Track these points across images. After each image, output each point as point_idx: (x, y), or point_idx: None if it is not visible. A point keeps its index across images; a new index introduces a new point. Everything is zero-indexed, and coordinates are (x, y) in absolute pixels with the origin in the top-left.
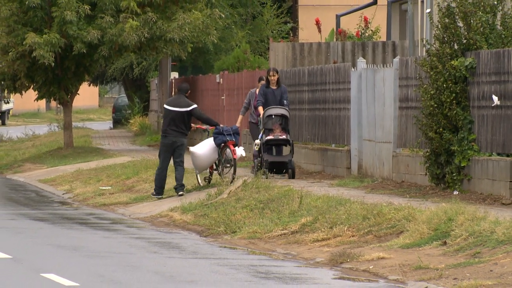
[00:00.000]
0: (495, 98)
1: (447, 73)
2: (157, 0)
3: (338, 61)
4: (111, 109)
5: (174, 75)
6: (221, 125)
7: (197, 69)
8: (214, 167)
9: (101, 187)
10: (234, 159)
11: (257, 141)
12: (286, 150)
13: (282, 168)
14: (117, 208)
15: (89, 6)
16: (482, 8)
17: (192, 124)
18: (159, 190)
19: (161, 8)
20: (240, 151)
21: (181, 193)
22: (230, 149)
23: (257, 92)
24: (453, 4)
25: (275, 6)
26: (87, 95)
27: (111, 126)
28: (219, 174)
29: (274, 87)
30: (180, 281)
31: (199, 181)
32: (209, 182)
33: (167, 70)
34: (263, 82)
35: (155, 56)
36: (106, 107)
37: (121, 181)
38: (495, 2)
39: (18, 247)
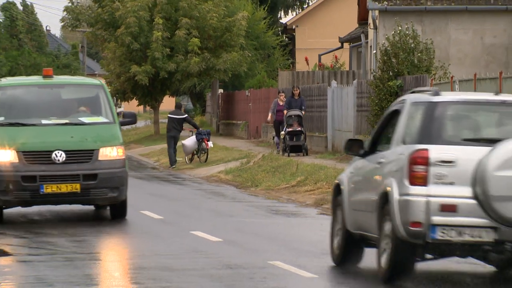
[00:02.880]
0: None
1: (386, 90)
2: (210, 45)
3: (320, 82)
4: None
5: (220, 90)
6: (200, 129)
7: (234, 87)
8: (195, 152)
9: (176, 158)
10: (207, 148)
11: (282, 132)
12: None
13: (298, 149)
14: (186, 171)
15: (169, 49)
16: (405, 50)
17: (184, 127)
18: (172, 163)
19: (213, 50)
20: (210, 144)
21: (173, 166)
22: (205, 142)
23: (278, 101)
24: (389, 48)
25: (281, 49)
26: (168, 102)
27: None
28: (198, 157)
29: (296, 97)
30: (224, 215)
31: (186, 160)
32: (191, 161)
33: (216, 87)
34: (281, 93)
35: (209, 79)
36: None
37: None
38: (412, 45)
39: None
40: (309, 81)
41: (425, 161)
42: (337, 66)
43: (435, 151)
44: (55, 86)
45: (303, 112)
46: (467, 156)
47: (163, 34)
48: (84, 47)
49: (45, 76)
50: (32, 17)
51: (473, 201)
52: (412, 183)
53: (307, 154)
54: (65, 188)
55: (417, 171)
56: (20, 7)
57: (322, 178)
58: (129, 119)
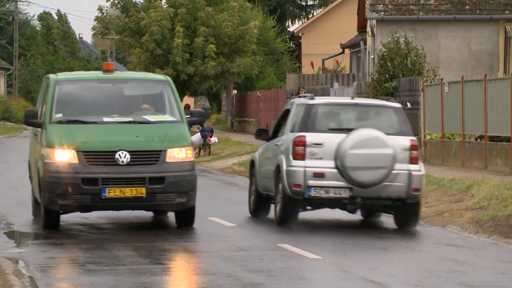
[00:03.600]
0: (408, 104)
1: (382, 90)
2: (225, 51)
3: (323, 84)
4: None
5: (234, 91)
6: (205, 126)
7: (246, 88)
8: (201, 147)
9: None
10: (210, 143)
11: None
12: None
13: None
14: (203, 163)
15: (189, 54)
16: (399, 55)
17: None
18: None
19: (227, 55)
20: (213, 139)
21: None
22: (207, 138)
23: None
24: (385, 53)
25: (289, 54)
26: (187, 102)
27: None
28: (203, 150)
29: None
30: (238, 203)
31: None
32: (198, 155)
33: (231, 89)
34: (293, 96)
35: (224, 81)
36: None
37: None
38: (406, 51)
39: None
40: (314, 83)
41: (303, 144)
42: (338, 70)
43: (310, 137)
44: (117, 82)
45: None
46: (331, 140)
47: (183, 41)
48: (112, 52)
49: (105, 71)
50: (66, 25)
51: (335, 170)
52: (295, 158)
53: None
54: (129, 192)
55: (298, 150)
56: (56, 17)
57: None
58: (197, 118)
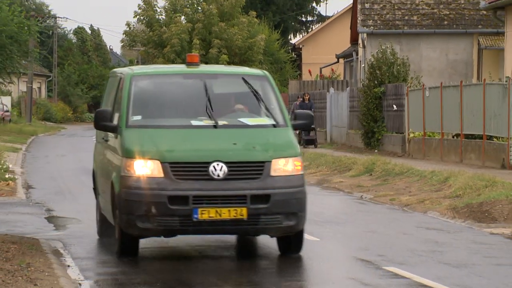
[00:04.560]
0: (394, 106)
1: (372, 95)
2: (236, 60)
3: (321, 89)
4: None
5: None
6: None
7: None
8: None
9: None
10: None
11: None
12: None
13: (311, 142)
14: None
15: (204, 63)
16: (386, 64)
17: None
18: None
19: (238, 64)
20: None
21: None
22: None
23: (297, 103)
24: (374, 62)
25: (291, 63)
26: None
27: None
28: None
29: (307, 102)
30: None
31: None
32: None
33: None
34: (299, 98)
35: None
36: None
37: None
38: (392, 61)
39: None
40: (312, 88)
41: None
42: (334, 77)
43: None
44: (206, 77)
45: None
46: None
47: (200, 52)
48: (138, 62)
49: (189, 64)
50: (98, 38)
51: None
52: None
53: (316, 147)
54: (226, 213)
55: None
56: (89, 31)
57: (323, 163)
58: (304, 121)
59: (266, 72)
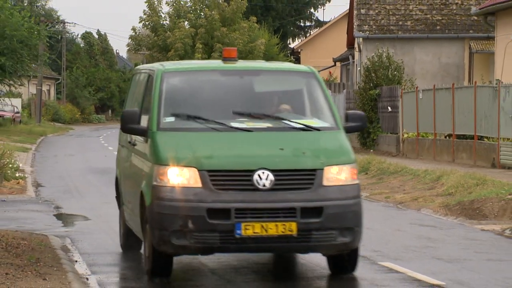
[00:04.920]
0: (389, 107)
1: (367, 97)
2: None
3: None
4: None
5: None
6: None
7: None
8: None
9: None
10: None
11: None
12: None
13: None
14: None
15: None
16: (382, 67)
17: None
18: None
19: None
20: None
21: None
22: None
23: None
24: (370, 66)
25: None
26: None
27: None
28: None
29: None
30: None
31: None
32: None
33: None
34: None
35: None
36: None
37: None
38: (387, 64)
39: None
40: None
41: None
42: (331, 79)
43: None
44: (246, 73)
45: None
46: None
47: (202, 56)
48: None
49: (226, 59)
50: (105, 43)
51: None
52: None
53: None
54: (274, 229)
55: None
56: (96, 36)
57: None
58: (357, 123)
59: (313, 68)
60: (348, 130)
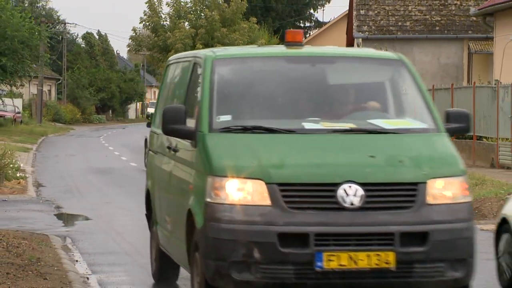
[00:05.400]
0: None
1: None
2: None
3: None
4: None
5: None
6: None
7: None
8: None
9: None
10: None
11: None
12: None
13: None
14: None
15: None
16: None
17: None
18: None
19: None
20: None
21: None
22: None
23: None
24: None
25: None
26: None
27: None
28: None
29: None
30: None
31: None
32: None
33: None
34: None
35: None
36: None
37: None
38: None
39: None
40: None
41: None
42: None
43: None
44: (318, 60)
45: None
46: None
47: None
48: (144, 65)
49: (290, 44)
50: (106, 43)
51: None
52: None
53: None
54: (365, 260)
55: None
56: (97, 36)
57: None
58: (461, 124)
59: (402, 55)
60: (452, 132)
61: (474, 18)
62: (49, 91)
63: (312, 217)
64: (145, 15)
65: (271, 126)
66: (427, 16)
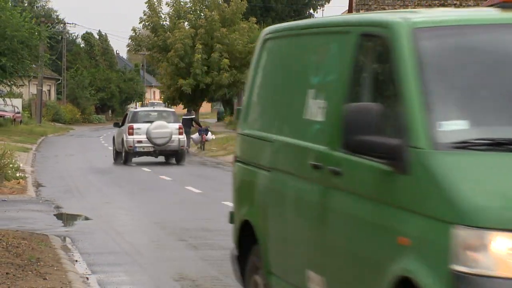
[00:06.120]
0: None
1: None
2: (237, 64)
3: None
4: (215, 112)
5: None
6: (202, 126)
7: None
8: (199, 144)
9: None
10: (204, 141)
11: None
12: None
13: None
14: (219, 157)
15: (206, 67)
16: None
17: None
18: (188, 145)
19: (239, 68)
20: (208, 137)
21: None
22: (202, 137)
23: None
24: None
25: None
26: (205, 106)
27: (216, 120)
28: (200, 147)
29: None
30: None
31: (196, 147)
32: (202, 148)
33: (241, 96)
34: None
35: (236, 89)
36: (214, 112)
37: (220, 145)
38: None
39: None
40: None
41: (132, 129)
42: None
43: (135, 125)
44: None
45: None
46: (142, 126)
47: (202, 56)
48: (144, 65)
49: (507, 5)
50: (106, 43)
51: (146, 139)
52: (129, 134)
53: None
54: None
55: (130, 131)
56: (97, 36)
57: None
58: None
59: None
60: None
61: None
62: (49, 91)
63: None
64: (144, 15)
65: None
66: None
